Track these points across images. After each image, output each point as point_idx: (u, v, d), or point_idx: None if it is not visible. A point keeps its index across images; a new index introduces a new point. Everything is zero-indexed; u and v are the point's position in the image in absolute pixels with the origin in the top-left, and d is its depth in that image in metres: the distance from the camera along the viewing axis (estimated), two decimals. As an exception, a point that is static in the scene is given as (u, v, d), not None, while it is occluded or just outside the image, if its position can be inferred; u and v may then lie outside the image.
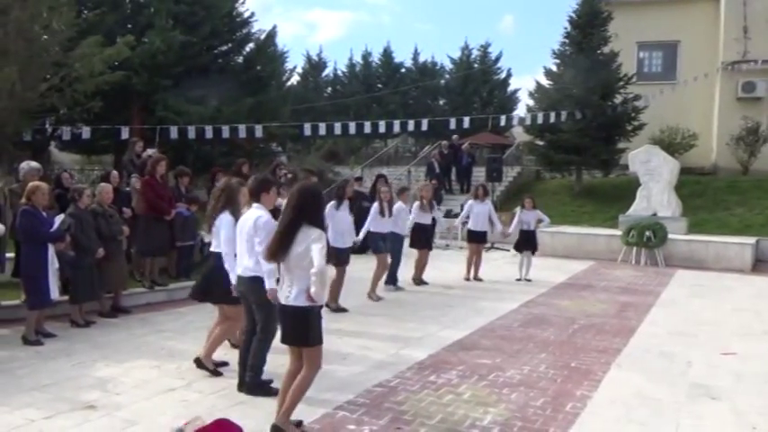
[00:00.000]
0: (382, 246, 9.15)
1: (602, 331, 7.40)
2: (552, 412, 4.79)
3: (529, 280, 10.79)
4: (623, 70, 19.88)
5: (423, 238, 10.23)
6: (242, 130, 17.05)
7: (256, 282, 4.74)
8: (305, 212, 3.98)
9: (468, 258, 10.96)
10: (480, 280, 10.76)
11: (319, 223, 4.02)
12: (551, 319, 8.01)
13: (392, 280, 9.67)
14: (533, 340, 6.91)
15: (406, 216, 9.78)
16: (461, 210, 17.38)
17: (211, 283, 5.50)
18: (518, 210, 11.46)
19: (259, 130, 17.39)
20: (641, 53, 23.27)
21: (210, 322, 7.43)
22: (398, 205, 9.62)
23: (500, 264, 12.51)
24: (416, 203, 10.27)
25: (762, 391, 5.38)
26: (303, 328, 4.01)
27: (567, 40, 20.16)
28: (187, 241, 9.41)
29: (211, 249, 5.60)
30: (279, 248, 3.99)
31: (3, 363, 5.72)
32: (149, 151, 11.22)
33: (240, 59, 21.53)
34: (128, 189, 9.13)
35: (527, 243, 10.97)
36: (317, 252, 3.87)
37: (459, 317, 7.93)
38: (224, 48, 21.01)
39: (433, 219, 10.64)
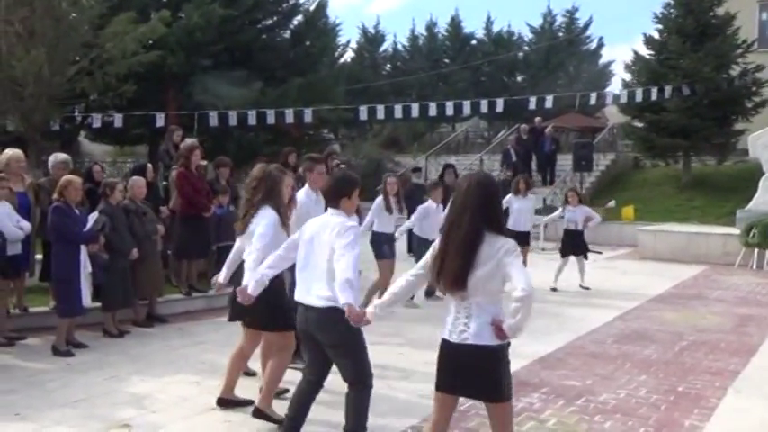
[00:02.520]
0: (386, 250, 8.75)
1: (716, 349, 7.18)
2: (655, 445, 4.68)
3: (587, 288, 10.59)
4: (742, 36, 19.18)
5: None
6: (289, 115, 17.33)
7: (336, 314, 3.93)
8: (487, 216, 3.41)
9: None
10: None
11: (503, 229, 3.50)
12: (653, 334, 7.81)
13: (430, 291, 9.27)
14: (631, 359, 6.76)
15: (436, 217, 9.06)
16: (543, 204, 17.24)
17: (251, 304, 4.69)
18: (560, 207, 11.15)
19: (308, 115, 17.65)
20: (765, 14, 22.39)
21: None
22: (426, 205, 9.23)
23: (590, 269, 12.26)
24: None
25: None
26: (491, 377, 3.42)
27: (672, 2, 19.62)
28: (225, 242, 9.61)
29: (244, 257, 4.93)
30: (465, 271, 3.35)
31: (32, 375, 6.03)
32: (187, 141, 11.52)
33: (287, 34, 21.87)
34: (165, 183, 9.40)
35: (574, 246, 10.66)
36: (518, 269, 3.33)
37: (540, 329, 7.81)
38: (268, 22, 21.38)
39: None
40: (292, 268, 4.49)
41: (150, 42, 15.39)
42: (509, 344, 3.47)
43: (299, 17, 21.96)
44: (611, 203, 17.18)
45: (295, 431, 4.36)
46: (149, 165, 9.40)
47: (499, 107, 18.69)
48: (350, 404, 4.22)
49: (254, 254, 4.64)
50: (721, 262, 13.51)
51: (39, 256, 7.72)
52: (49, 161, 8.21)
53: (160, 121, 16.35)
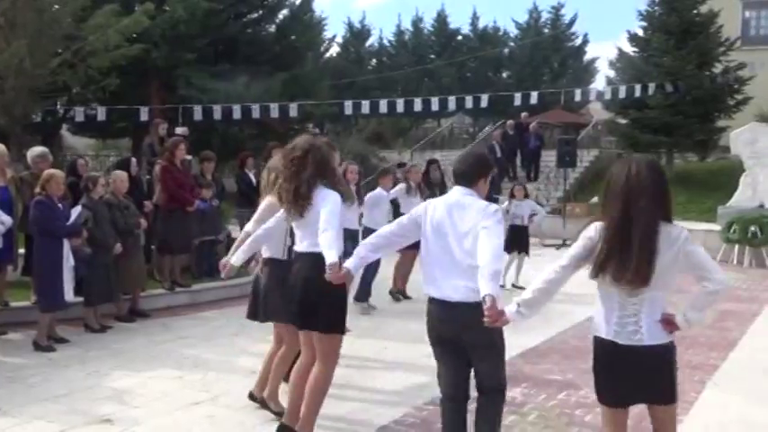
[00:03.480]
0: (349, 247, 8.00)
1: (695, 344, 7.24)
2: (634, 438, 4.72)
3: (522, 288, 10.16)
4: (725, 33, 19.34)
5: None
6: (274, 110, 17.29)
7: (470, 310, 3.42)
8: (661, 202, 3.11)
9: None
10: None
11: (671, 217, 3.17)
12: (634, 329, 7.87)
13: (364, 295, 8.65)
14: (612, 354, 6.81)
15: (385, 206, 9.00)
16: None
17: (311, 299, 4.15)
18: (506, 200, 10.55)
19: (294, 109, 17.63)
20: (747, 12, 22.61)
21: (238, 328, 7.64)
22: (376, 192, 8.88)
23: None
24: (401, 186, 9.31)
25: None
26: (668, 376, 3.16)
27: (655, -1, 19.75)
28: (209, 236, 9.61)
29: (299, 249, 4.32)
30: (652, 265, 3.04)
31: (13, 370, 5.99)
32: (179, 130, 11.43)
33: (272, 28, 21.82)
34: (149, 177, 9.36)
35: (518, 242, 10.18)
36: (708, 258, 3.14)
37: (522, 324, 7.84)
38: (254, 15, 21.31)
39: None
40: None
41: (134, 35, 15.31)
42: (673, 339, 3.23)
43: (285, 11, 21.92)
44: (594, 199, 17.25)
45: None
46: (133, 159, 9.35)
47: (484, 103, 18.78)
48: (487, 414, 3.73)
49: (331, 231, 3.94)
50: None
51: (21, 251, 7.66)
52: (27, 155, 8.14)
53: (144, 114, 16.27)
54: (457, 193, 3.72)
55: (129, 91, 16.70)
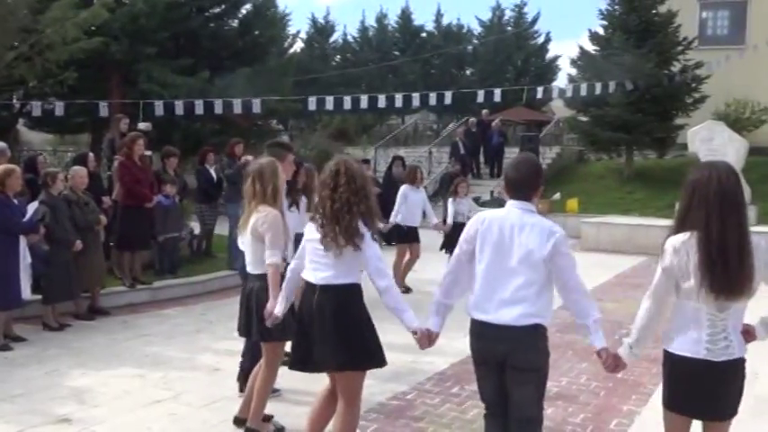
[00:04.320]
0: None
1: (656, 338, 7.39)
2: (594, 430, 4.82)
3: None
4: (683, 33, 19.68)
5: None
6: (237, 105, 17.12)
7: (538, 333, 3.39)
8: (746, 211, 3.08)
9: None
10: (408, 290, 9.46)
11: None
12: (595, 323, 8.00)
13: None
14: (573, 348, 6.93)
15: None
16: (491, 197, 17.48)
17: (342, 332, 3.81)
18: (450, 199, 10.37)
19: (257, 105, 17.44)
20: (704, 12, 22.99)
21: (200, 325, 7.60)
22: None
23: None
24: None
25: (840, 408, 5.35)
26: (740, 392, 3.15)
27: (616, -2, 20.03)
28: (170, 233, 9.52)
29: (319, 281, 3.85)
30: (752, 276, 2.98)
31: (-33, 370, 5.86)
32: (142, 126, 11.28)
33: (235, 23, 21.58)
34: (110, 173, 9.24)
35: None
36: None
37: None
38: (216, 10, 21.06)
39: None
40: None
41: (92, 28, 15.04)
42: None
43: (248, 6, 21.70)
44: (557, 196, 17.49)
45: None
46: (91, 154, 9.21)
47: (448, 100, 18.78)
48: None
49: (388, 279, 3.83)
50: (660, 253, 13.87)
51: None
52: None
53: (103, 109, 15.95)
54: (513, 207, 3.45)
55: (88, 85, 16.40)
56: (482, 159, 21.13)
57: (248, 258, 4.52)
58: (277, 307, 4.07)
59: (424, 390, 5.54)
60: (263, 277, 4.33)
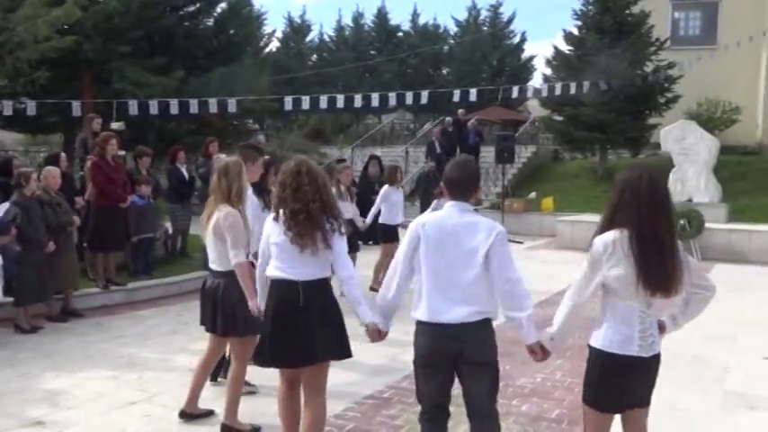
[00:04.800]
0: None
1: (627, 334, 7.49)
2: (568, 425, 4.87)
3: None
4: (656, 33, 19.93)
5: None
6: (212, 105, 17.02)
7: (489, 328, 3.48)
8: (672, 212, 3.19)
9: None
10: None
11: None
12: (569, 320, 8.08)
13: None
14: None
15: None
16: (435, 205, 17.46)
17: (320, 326, 3.90)
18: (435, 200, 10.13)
19: (233, 105, 17.38)
20: (677, 13, 23.33)
21: (176, 326, 7.54)
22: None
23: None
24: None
25: (808, 401, 5.47)
26: (654, 383, 3.30)
27: (590, -1, 20.22)
28: (145, 234, 9.45)
29: (295, 277, 3.86)
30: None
31: (-63, 374, 5.78)
32: (114, 125, 11.17)
33: (210, 22, 21.45)
34: (82, 173, 9.15)
35: None
36: (698, 266, 3.28)
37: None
38: (191, 8, 20.91)
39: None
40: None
41: (65, 27, 14.86)
42: None
43: (223, 5, 21.56)
44: (532, 195, 17.64)
45: None
46: (63, 154, 9.11)
47: (424, 99, 18.85)
48: None
49: (353, 279, 3.91)
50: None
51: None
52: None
53: (76, 109, 15.78)
54: (454, 209, 3.53)
55: (61, 84, 16.19)
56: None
57: (211, 256, 4.60)
58: (258, 301, 4.15)
59: (400, 388, 5.56)
60: (227, 274, 4.44)
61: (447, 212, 3.54)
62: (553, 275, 11.09)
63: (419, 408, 4.92)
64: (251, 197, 5.06)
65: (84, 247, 8.75)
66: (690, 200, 14.98)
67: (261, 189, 5.42)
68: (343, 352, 4.00)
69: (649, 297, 3.09)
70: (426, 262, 3.49)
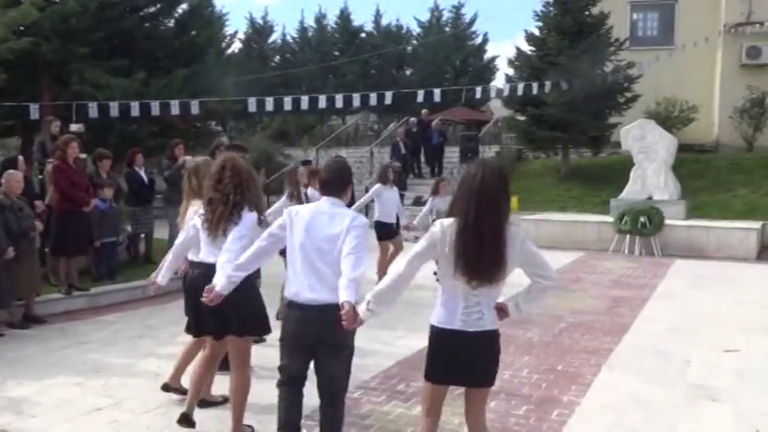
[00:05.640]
0: None
1: (591, 330, 7.62)
2: (536, 421, 4.94)
3: None
4: (615, 34, 20.24)
5: None
6: (175, 107, 16.83)
7: (335, 312, 3.59)
8: (506, 204, 3.37)
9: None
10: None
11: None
12: (534, 317, 8.17)
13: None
14: (515, 342, 7.07)
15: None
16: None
17: (232, 307, 4.21)
18: (429, 198, 10.78)
19: (195, 106, 17.21)
20: (635, 14, 23.71)
21: (142, 330, 7.45)
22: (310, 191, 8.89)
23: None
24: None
25: (766, 391, 5.63)
26: (496, 360, 3.52)
27: (551, 0, 20.42)
28: (108, 238, 9.32)
29: (212, 261, 4.31)
30: (502, 266, 3.30)
31: None
32: (74, 127, 10.97)
33: (171, 23, 21.18)
34: (41, 177, 8.98)
35: None
36: (542, 256, 3.44)
37: (422, 319, 8.06)
38: (151, 9, 20.61)
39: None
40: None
41: (21, 28, 14.58)
42: None
43: (184, 5, 21.30)
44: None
45: None
46: (21, 157, 8.91)
47: (388, 100, 18.89)
48: (332, 419, 3.97)
49: (228, 254, 4.17)
50: (596, 248, 14.29)
51: None
52: None
53: (34, 111, 15.46)
54: (324, 202, 3.93)
55: (18, 87, 15.83)
56: (423, 159, 21.30)
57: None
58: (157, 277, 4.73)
59: (369, 388, 5.58)
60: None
61: (320, 204, 3.95)
62: (517, 273, 11.22)
63: (389, 407, 4.97)
64: None
65: (45, 251, 8.59)
66: (650, 197, 15.26)
67: None
68: (262, 329, 4.50)
69: (468, 283, 3.33)
70: (292, 246, 3.89)
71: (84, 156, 9.51)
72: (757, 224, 14.36)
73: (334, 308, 3.55)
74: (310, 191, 8.94)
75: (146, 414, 4.97)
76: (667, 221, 13.99)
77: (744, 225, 14.13)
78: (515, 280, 3.59)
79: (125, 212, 10.62)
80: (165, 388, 5.21)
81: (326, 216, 3.85)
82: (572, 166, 20.29)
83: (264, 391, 4.74)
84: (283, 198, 8.40)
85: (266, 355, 5.56)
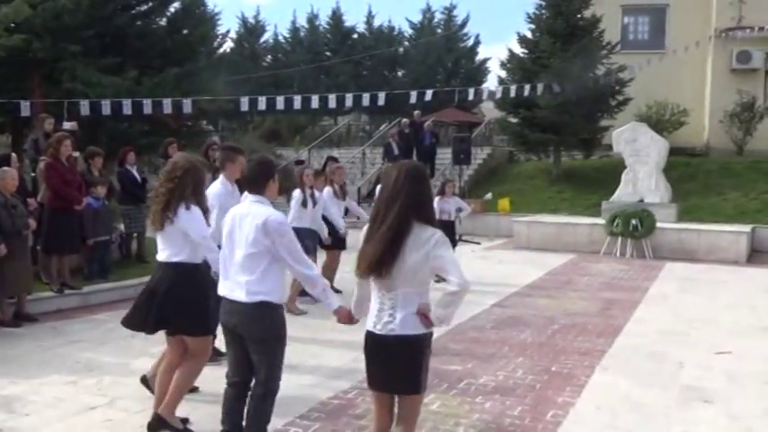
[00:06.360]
0: (310, 245, 8.08)
1: (584, 331, 7.64)
2: (531, 422, 4.95)
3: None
4: (606, 37, 20.33)
5: (333, 235, 9.25)
6: (167, 105, 16.78)
7: (265, 309, 3.90)
8: (415, 205, 3.35)
9: None
10: None
11: (433, 219, 3.44)
12: (528, 319, 8.22)
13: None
14: (509, 343, 7.09)
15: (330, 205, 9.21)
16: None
17: (169, 306, 4.47)
18: (437, 197, 10.73)
19: (187, 105, 17.16)
20: (626, 18, 23.83)
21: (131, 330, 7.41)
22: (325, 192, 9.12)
23: (469, 259, 12.70)
24: (327, 190, 9.35)
25: (758, 393, 5.67)
26: (414, 367, 3.39)
27: (543, 3, 20.50)
28: (101, 236, 9.28)
29: (161, 259, 4.61)
30: (388, 258, 3.28)
31: None
32: (66, 125, 10.91)
33: (163, 22, 21.13)
34: (33, 175, 8.93)
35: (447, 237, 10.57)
36: (451, 261, 3.34)
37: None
38: (143, 8, 20.57)
39: (346, 209, 10.20)
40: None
41: (13, 25, 14.50)
42: (431, 333, 3.46)
43: (176, 4, 21.26)
44: (488, 196, 17.81)
45: None
46: (13, 155, 8.87)
47: (380, 101, 18.90)
48: (257, 406, 4.01)
49: (214, 253, 4.44)
50: (588, 250, 14.34)
51: None
52: None
53: (25, 109, 15.39)
54: (248, 200, 4.06)
55: (9, 84, 15.78)
56: (415, 160, 21.29)
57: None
58: None
59: (364, 388, 5.54)
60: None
61: (243, 203, 4.10)
62: (510, 275, 11.28)
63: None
64: (225, 190, 5.73)
65: (37, 249, 8.54)
66: (641, 200, 15.34)
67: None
68: (200, 329, 4.53)
69: (374, 281, 3.40)
70: (225, 244, 4.08)
71: (76, 154, 9.46)
72: (747, 228, 14.46)
73: (256, 305, 3.91)
74: (319, 191, 8.99)
75: (139, 413, 4.94)
76: (658, 224, 14.06)
77: (734, 228, 14.23)
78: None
79: (118, 211, 10.57)
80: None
81: (248, 217, 3.99)
82: (564, 169, 20.35)
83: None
84: (295, 202, 8.39)
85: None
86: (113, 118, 16.75)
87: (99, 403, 5.16)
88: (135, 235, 10.67)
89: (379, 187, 3.77)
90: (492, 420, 4.94)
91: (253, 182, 4.05)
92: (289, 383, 5.54)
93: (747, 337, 7.53)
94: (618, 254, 13.93)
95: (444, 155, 20.63)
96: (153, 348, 6.57)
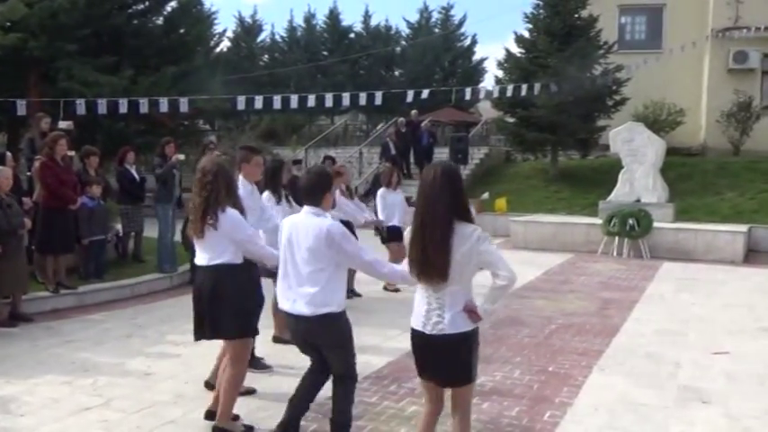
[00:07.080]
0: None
1: (581, 331, 7.63)
2: (529, 422, 4.94)
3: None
4: (603, 37, 20.33)
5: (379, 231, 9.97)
6: (163, 104, 16.74)
7: (330, 320, 4.03)
8: (455, 203, 3.43)
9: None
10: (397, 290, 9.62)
11: (470, 216, 3.51)
12: (525, 319, 8.20)
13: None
14: (506, 343, 7.08)
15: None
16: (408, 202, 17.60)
17: (216, 308, 4.43)
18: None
19: (184, 104, 17.13)
20: (623, 18, 23.84)
21: (130, 329, 7.40)
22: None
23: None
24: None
25: (756, 393, 5.67)
26: (467, 362, 3.55)
27: (540, 2, 20.49)
28: (96, 236, 9.25)
29: (201, 263, 4.54)
30: (440, 261, 3.38)
31: None
32: (62, 124, 10.87)
33: (160, 21, 21.10)
34: (29, 174, 8.90)
35: None
36: (497, 256, 3.48)
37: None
38: (140, 6, 20.55)
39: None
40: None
41: (9, 24, 14.47)
42: (478, 327, 3.59)
43: (173, 3, 21.23)
44: (485, 195, 17.80)
45: (296, 420, 4.33)
46: (9, 154, 8.84)
47: (377, 100, 18.89)
48: (339, 395, 4.24)
49: (266, 249, 4.59)
50: (585, 250, 14.34)
51: None
52: None
53: (21, 108, 15.35)
54: (305, 212, 4.11)
55: (5, 83, 15.74)
56: (412, 160, 21.30)
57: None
58: None
59: (361, 389, 5.53)
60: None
61: (301, 215, 4.14)
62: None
63: (381, 408, 5.01)
64: (244, 192, 5.43)
65: (32, 249, 8.50)
66: (638, 200, 15.34)
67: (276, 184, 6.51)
68: (240, 332, 4.47)
69: (424, 282, 3.49)
70: (282, 256, 4.15)
71: (72, 153, 9.42)
72: (744, 227, 14.47)
73: (320, 318, 4.03)
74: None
75: (136, 414, 4.92)
76: (656, 224, 14.06)
77: (731, 228, 14.23)
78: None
79: (117, 211, 10.55)
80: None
81: (299, 226, 4.09)
82: (561, 169, 20.35)
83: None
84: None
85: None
86: (110, 117, 16.72)
87: (95, 404, 5.13)
88: (132, 234, 10.65)
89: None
90: (489, 421, 4.92)
91: (311, 193, 4.10)
92: (286, 384, 5.54)
93: (744, 338, 7.52)
94: (615, 254, 13.93)
95: (441, 154, 20.60)
96: (148, 348, 6.59)
